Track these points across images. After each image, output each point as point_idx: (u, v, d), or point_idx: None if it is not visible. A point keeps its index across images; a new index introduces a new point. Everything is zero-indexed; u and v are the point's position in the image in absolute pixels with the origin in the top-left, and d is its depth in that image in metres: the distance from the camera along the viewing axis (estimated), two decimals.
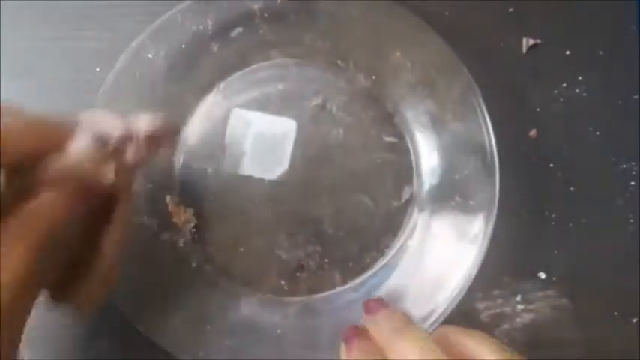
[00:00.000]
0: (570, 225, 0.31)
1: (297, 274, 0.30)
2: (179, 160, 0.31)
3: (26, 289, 0.20)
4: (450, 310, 0.28)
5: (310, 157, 0.31)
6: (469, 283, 0.28)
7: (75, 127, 0.22)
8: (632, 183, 0.32)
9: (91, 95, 0.29)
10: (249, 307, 0.30)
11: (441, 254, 0.29)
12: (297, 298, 0.30)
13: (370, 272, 0.30)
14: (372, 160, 0.31)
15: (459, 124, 0.30)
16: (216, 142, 0.31)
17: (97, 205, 0.22)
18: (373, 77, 0.31)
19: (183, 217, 0.30)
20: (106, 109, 0.28)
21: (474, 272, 0.28)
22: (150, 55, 0.29)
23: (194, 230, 0.30)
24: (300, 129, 0.31)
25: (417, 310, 0.28)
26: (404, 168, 0.31)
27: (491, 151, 0.29)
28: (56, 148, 0.21)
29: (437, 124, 0.30)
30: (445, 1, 0.32)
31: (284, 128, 0.31)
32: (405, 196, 0.31)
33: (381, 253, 0.31)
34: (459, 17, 0.32)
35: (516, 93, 0.32)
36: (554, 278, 0.31)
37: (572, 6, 0.33)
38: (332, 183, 0.31)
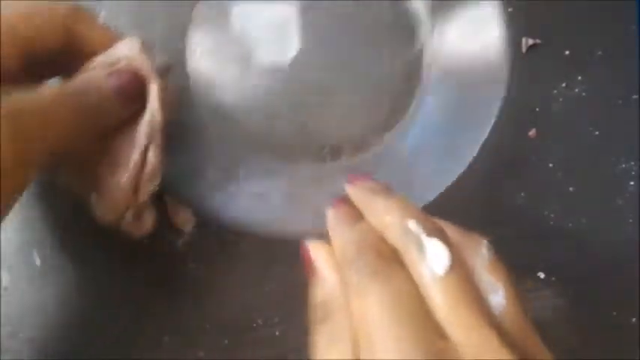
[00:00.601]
0: (570, 225, 0.31)
1: (334, 142, 0.31)
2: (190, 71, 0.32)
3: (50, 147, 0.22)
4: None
5: (318, 33, 0.32)
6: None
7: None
8: (632, 183, 0.32)
9: None
10: (293, 181, 0.31)
11: (467, 92, 0.31)
12: (339, 165, 0.32)
13: (402, 122, 0.32)
14: (380, 21, 0.32)
15: None
16: (223, 41, 0.31)
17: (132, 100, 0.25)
18: None
19: (183, 216, 0.30)
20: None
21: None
22: None
23: (194, 229, 0.30)
24: (302, 10, 0.32)
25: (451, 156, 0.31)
26: (413, 22, 0.32)
27: None
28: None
29: None
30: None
31: (288, 12, 0.32)
32: (418, 45, 0.32)
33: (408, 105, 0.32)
34: None
35: (516, 93, 0.32)
36: (553, 278, 0.31)
37: (572, 6, 0.33)
38: (347, 52, 0.32)
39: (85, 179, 0.26)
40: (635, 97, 0.32)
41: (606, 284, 0.31)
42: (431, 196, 0.30)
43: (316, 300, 0.22)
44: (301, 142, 0.32)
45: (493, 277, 0.21)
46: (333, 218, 0.23)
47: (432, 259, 0.20)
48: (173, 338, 0.29)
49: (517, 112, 0.32)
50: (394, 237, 0.21)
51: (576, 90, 0.32)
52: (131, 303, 0.30)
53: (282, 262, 0.30)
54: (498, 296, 0.20)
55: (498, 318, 0.20)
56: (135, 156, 0.25)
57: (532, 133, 0.32)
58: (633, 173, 0.32)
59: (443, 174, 0.31)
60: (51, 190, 0.30)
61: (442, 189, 0.30)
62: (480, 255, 0.21)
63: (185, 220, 0.30)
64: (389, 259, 0.20)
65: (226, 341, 0.29)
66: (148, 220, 0.27)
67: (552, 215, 0.31)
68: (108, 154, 0.25)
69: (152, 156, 0.25)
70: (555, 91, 0.32)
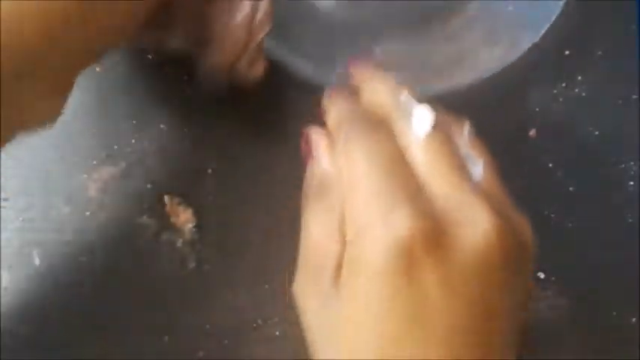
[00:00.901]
0: (570, 225, 0.31)
1: (424, 9, 0.32)
2: None
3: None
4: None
5: None
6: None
7: None
8: (632, 183, 0.32)
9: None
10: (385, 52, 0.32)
11: None
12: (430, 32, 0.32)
13: None
14: None
15: None
16: None
17: None
18: None
19: (183, 216, 0.30)
20: None
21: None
22: None
23: (194, 229, 0.30)
24: None
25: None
26: None
27: None
28: None
29: None
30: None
31: None
32: None
33: None
34: None
35: (516, 93, 0.32)
36: (553, 278, 0.31)
37: (572, 6, 0.33)
38: None
39: (198, 31, 0.26)
40: (635, 97, 0.32)
41: (606, 284, 0.31)
42: (514, 57, 0.31)
43: (312, 181, 0.23)
44: (392, 11, 0.32)
45: (474, 152, 0.22)
46: (331, 97, 0.25)
47: (417, 124, 0.22)
48: (173, 338, 0.29)
49: (517, 112, 0.32)
50: (386, 107, 0.23)
51: (576, 90, 0.32)
52: (131, 303, 0.30)
53: (282, 262, 0.30)
54: (478, 168, 0.22)
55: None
56: (247, 2, 0.26)
57: (532, 133, 0.32)
58: (633, 173, 0.32)
59: (523, 39, 0.32)
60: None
61: (524, 50, 0.31)
62: (463, 134, 0.23)
63: (185, 220, 0.30)
64: (378, 125, 0.22)
65: (226, 341, 0.29)
66: (260, 67, 0.27)
67: (552, 215, 0.31)
68: (220, 6, 0.26)
69: (264, 3, 0.26)
70: (555, 91, 0.32)
